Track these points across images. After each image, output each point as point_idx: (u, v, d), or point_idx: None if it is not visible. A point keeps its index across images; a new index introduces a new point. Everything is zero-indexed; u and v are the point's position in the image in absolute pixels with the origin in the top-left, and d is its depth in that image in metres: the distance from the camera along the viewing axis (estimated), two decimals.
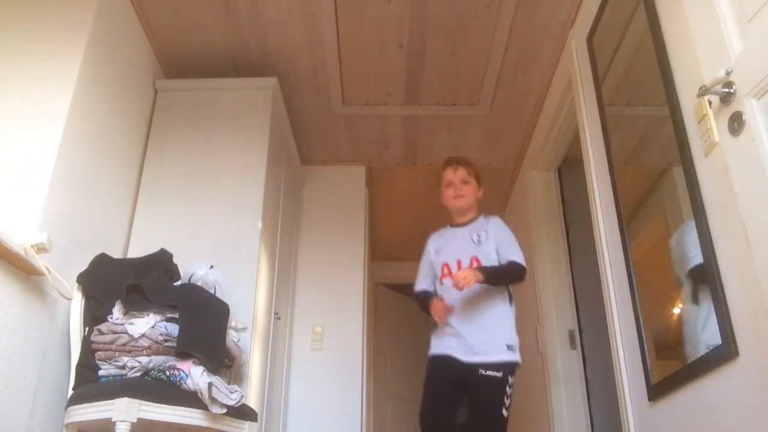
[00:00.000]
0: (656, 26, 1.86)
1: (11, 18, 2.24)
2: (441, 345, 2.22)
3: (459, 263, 2.25)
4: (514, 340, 2.20)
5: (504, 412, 2.09)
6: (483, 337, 2.16)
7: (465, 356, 2.14)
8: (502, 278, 2.24)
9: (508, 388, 2.12)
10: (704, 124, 1.48)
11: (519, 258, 2.24)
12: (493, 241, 2.27)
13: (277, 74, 3.07)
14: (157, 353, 1.96)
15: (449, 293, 2.21)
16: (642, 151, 2.14)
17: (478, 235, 2.30)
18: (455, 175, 2.39)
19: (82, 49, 2.22)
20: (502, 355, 2.14)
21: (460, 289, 2.05)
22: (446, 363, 2.16)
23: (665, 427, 1.84)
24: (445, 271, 2.29)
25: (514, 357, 2.16)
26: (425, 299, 2.32)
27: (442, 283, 2.28)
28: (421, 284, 2.39)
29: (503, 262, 2.23)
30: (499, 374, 2.10)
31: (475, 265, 2.21)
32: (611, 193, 2.24)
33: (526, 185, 3.63)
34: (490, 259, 2.24)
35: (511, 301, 2.27)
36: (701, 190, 1.60)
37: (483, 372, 2.09)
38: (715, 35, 1.43)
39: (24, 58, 2.18)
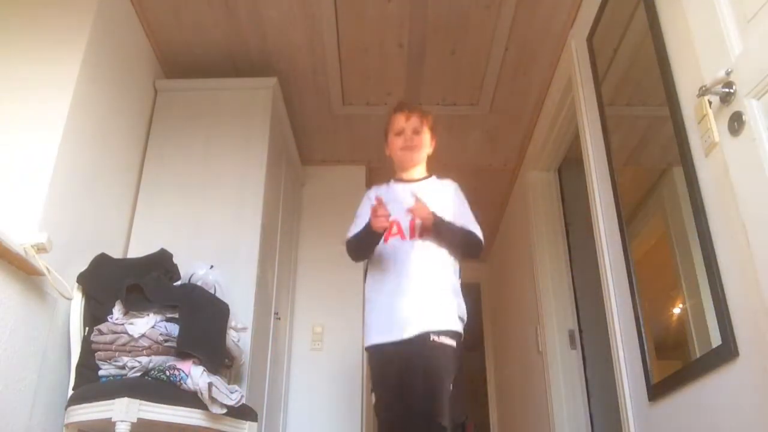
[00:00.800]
0: (656, 26, 1.86)
1: (11, 18, 2.24)
2: (380, 326, 1.92)
3: (412, 223, 1.95)
4: (465, 313, 1.94)
5: (450, 386, 1.80)
6: (436, 301, 1.88)
7: (413, 327, 1.83)
8: (457, 239, 1.97)
9: (456, 363, 1.86)
10: (704, 124, 1.48)
11: (478, 232, 2.01)
12: (450, 207, 2.00)
13: (277, 74, 3.07)
14: (157, 353, 1.96)
15: (396, 254, 1.93)
16: (642, 151, 2.14)
17: (432, 197, 1.98)
18: (407, 122, 2.10)
19: (82, 49, 2.22)
20: (456, 325, 1.88)
21: (416, 216, 1.84)
22: (389, 356, 1.86)
23: (665, 427, 1.84)
24: (394, 229, 1.97)
25: (461, 329, 1.90)
26: (361, 231, 1.95)
27: (386, 242, 1.97)
28: (352, 232, 2.04)
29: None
30: (453, 343, 1.83)
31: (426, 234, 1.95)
32: (611, 193, 2.24)
33: (526, 185, 3.63)
34: None
35: (459, 277, 2.03)
36: (701, 190, 1.60)
37: (435, 339, 1.81)
38: (715, 35, 1.43)
39: (24, 58, 2.18)
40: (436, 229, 1.91)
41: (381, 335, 1.91)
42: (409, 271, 1.90)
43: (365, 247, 2.00)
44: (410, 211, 1.86)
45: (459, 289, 1.97)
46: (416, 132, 2.10)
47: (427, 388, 1.76)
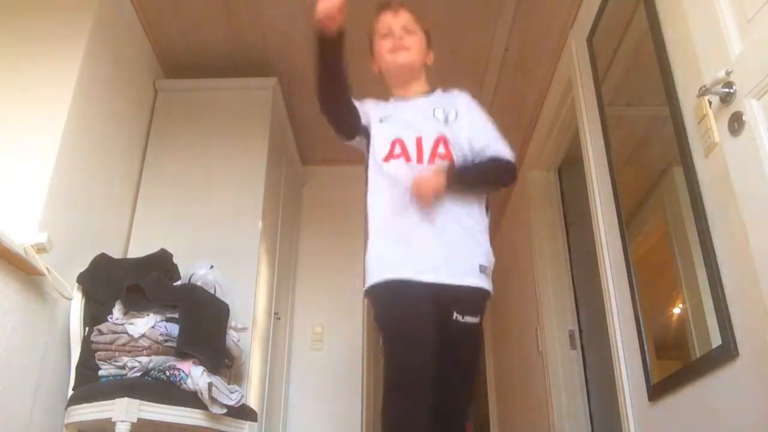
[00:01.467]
0: (656, 26, 1.86)
1: (11, 18, 2.24)
2: (393, 263, 1.50)
3: (420, 142, 1.58)
4: (491, 260, 1.57)
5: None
6: (452, 253, 1.50)
7: (427, 275, 1.47)
8: (484, 179, 1.63)
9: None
10: (704, 124, 1.48)
11: (505, 150, 1.64)
12: (465, 122, 1.63)
13: (277, 74, 3.07)
14: (157, 353, 1.96)
15: (398, 182, 1.55)
16: (642, 151, 2.14)
17: (445, 112, 1.64)
18: (395, 19, 1.69)
19: (82, 49, 2.22)
20: (477, 279, 1.51)
21: (423, 202, 1.47)
22: (414, 287, 1.45)
23: (665, 427, 1.84)
24: (397, 149, 1.60)
25: (488, 285, 1.53)
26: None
27: (387, 161, 1.61)
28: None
29: (482, 156, 1.61)
30: (476, 319, 1.51)
31: (441, 150, 1.57)
32: (611, 193, 2.24)
33: (526, 185, 3.63)
34: (462, 148, 1.61)
35: (487, 208, 1.65)
36: (701, 190, 1.60)
37: (459, 318, 1.47)
38: (715, 35, 1.43)
39: (24, 57, 2.18)
40: (460, 183, 1.53)
41: (400, 271, 1.49)
42: (415, 208, 1.52)
43: (321, 70, 1.54)
44: (417, 197, 1.50)
45: (487, 226, 1.61)
46: (408, 31, 1.69)
47: (467, 359, 1.49)
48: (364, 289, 1.57)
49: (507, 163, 1.65)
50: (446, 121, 1.63)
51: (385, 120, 1.68)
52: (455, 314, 1.47)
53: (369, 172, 1.69)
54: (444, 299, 1.46)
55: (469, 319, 1.48)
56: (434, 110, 1.65)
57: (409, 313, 1.43)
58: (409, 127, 1.62)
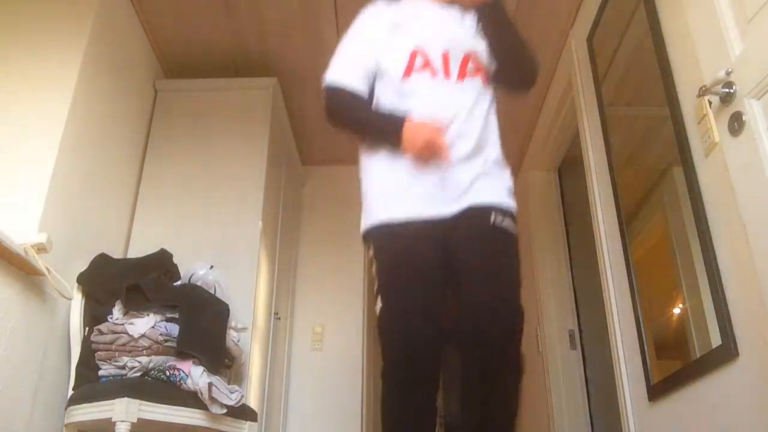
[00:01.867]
0: (656, 26, 1.86)
1: (11, 18, 2.24)
2: (404, 199, 1.31)
3: (446, 58, 1.38)
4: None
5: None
6: (489, 166, 1.36)
7: (456, 202, 1.31)
8: (521, 48, 1.44)
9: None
10: (704, 124, 1.48)
11: (530, 51, 1.47)
12: (494, 30, 1.43)
13: (277, 74, 3.07)
14: (157, 353, 1.96)
15: (425, 99, 1.35)
16: (642, 151, 2.14)
17: (472, 19, 1.44)
18: None
19: (82, 49, 2.22)
20: (511, 200, 1.41)
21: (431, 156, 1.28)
22: (420, 232, 1.30)
23: (665, 427, 1.84)
24: (418, 61, 1.38)
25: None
26: (377, 115, 1.38)
27: (407, 77, 1.38)
28: (348, 76, 1.46)
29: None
30: (514, 229, 1.37)
31: (471, 66, 1.37)
32: (611, 193, 2.24)
33: (526, 185, 3.63)
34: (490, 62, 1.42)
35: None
36: (701, 190, 1.60)
37: (499, 219, 1.32)
38: (715, 35, 1.43)
39: (24, 57, 2.18)
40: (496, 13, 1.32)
41: (407, 208, 1.32)
42: (449, 124, 1.33)
43: (360, 131, 1.43)
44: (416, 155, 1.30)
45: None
46: None
47: (502, 275, 1.28)
48: (372, 225, 1.34)
49: (535, 59, 1.46)
50: (474, 32, 1.39)
51: (400, 26, 1.42)
52: (493, 216, 1.32)
53: (381, 100, 1.41)
54: (477, 215, 1.30)
55: (508, 223, 1.34)
56: (462, 17, 1.40)
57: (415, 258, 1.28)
58: (434, 37, 1.38)
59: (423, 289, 1.27)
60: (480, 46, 1.44)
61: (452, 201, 1.31)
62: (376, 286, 1.32)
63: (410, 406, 1.22)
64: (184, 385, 1.90)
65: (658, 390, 1.87)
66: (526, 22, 2.82)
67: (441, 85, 1.37)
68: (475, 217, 1.30)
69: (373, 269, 1.34)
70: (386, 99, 1.41)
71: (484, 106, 1.41)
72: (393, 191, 1.35)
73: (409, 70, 1.38)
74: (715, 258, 1.53)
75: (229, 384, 2.09)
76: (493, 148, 1.41)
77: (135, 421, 1.76)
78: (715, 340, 1.53)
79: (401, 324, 1.26)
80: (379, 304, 1.30)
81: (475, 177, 1.34)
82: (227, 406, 1.94)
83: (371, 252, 1.36)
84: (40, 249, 1.80)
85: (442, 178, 1.32)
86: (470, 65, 1.40)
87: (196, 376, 1.90)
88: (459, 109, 1.36)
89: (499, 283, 1.26)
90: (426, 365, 1.23)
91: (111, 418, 1.75)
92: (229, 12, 2.80)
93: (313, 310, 3.59)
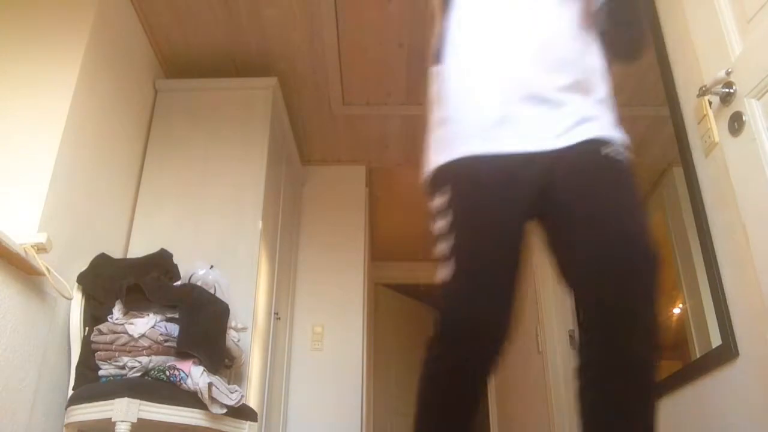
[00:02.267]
0: (656, 26, 1.86)
1: (12, 18, 2.24)
2: (504, 127, 1.07)
3: None
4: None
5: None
6: (599, 93, 1.15)
7: (562, 137, 1.09)
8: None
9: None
10: (704, 124, 1.48)
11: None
12: None
13: (277, 74, 3.07)
14: (157, 353, 1.96)
15: (521, 17, 1.13)
16: (642, 151, 2.14)
17: None
18: None
19: (83, 49, 2.22)
20: (622, 134, 1.19)
21: None
22: (519, 175, 1.06)
23: (665, 426, 1.84)
24: None
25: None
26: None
27: None
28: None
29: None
30: (627, 162, 1.15)
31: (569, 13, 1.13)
32: None
33: None
34: None
35: None
36: (701, 189, 1.60)
37: (613, 151, 1.12)
38: (715, 35, 1.43)
39: (24, 57, 2.18)
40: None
41: (505, 140, 1.07)
42: (547, 43, 1.11)
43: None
44: None
45: None
46: None
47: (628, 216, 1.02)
48: (451, 160, 1.08)
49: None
50: None
51: None
52: (606, 148, 1.12)
53: (453, 9, 1.17)
54: (586, 148, 1.10)
55: (625, 155, 1.14)
56: None
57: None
58: None
59: (511, 262, 1.02)
60: None
61: (557, 135, 1.09)
62: (445, 244, 1.04)
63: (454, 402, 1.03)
64: (184, 385, 1.90)
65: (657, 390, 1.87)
66: None
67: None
68: (585, 151, 1.08)
69: (443, 222, 1.06)
70: (470, 11, 1.16)
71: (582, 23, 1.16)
72: (488, 115, 1.08)
73: None
74: (715, 258, 1.53)
75: (229, 384, 2.09)
76: (602, 83, 1.20)
77: (135, 421, 1.76)
78: (715, 340, 1.53)
79: (477, 305, 1.00)
80: (450, 267, 1.03)
81: (582, 111, 1.13)
82: (227, 406, 1.94)
83: (445, 198, 1.07)
84: (40, 249, 1.80)
85: (544, 110, 1.10)
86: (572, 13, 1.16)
87: (196, 376, 1.90)
88: (551, 28, 1.14)
89: (625, 221, 1.00)
90: (484, 369, 1.05)
91: (111, 418, 1.75)
92: (229, 12, 2.80)
93: (313, 310, 3.59)
